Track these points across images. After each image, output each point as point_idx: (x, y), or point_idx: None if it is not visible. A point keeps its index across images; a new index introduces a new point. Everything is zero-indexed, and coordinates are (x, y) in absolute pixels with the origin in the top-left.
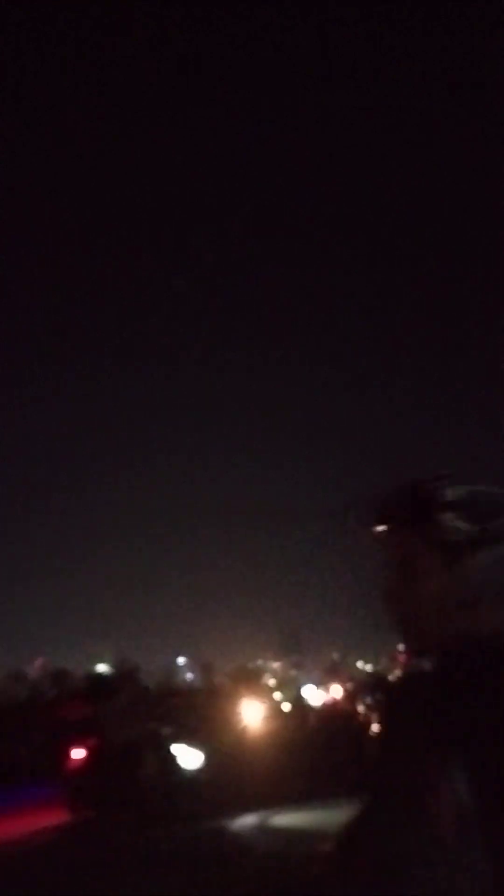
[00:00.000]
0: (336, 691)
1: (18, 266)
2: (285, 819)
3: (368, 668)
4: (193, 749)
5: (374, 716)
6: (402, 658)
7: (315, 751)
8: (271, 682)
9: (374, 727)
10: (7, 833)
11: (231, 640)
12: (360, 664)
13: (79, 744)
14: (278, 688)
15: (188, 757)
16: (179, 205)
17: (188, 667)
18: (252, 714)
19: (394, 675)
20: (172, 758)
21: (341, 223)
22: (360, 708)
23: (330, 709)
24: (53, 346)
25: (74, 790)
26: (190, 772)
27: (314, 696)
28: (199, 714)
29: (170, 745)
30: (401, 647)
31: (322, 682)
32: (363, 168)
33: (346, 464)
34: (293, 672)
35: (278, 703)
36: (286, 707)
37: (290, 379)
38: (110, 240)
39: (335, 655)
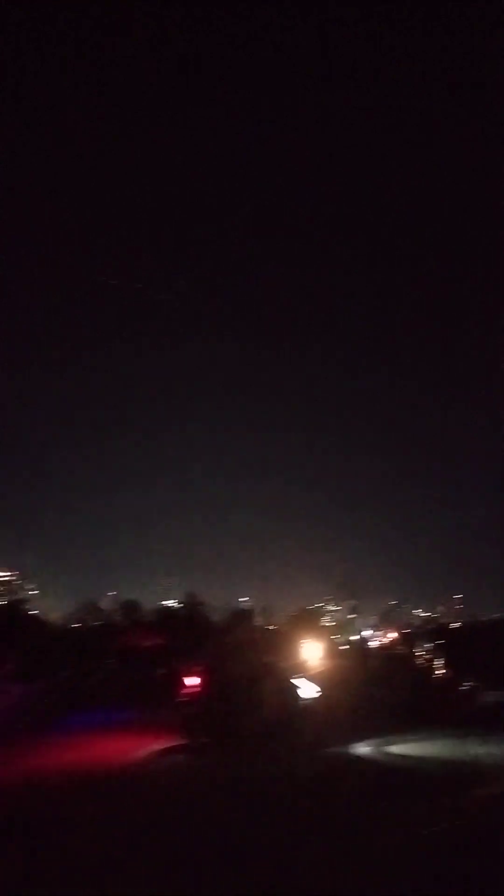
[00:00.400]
0: (392, 636)
1: None
2: (399, 748)
3: (424, 615)
4: (309, 682)
5: (438, 661)
6: (458, 607)
7: (382, 689)
8: (329, 624)
9: (438, 671)
10: (109, 755)
11: (291, 583)
12: (415, 611)
13: (192, 672)
14: (336, 630)
15: (305, 689)
16: (179, 203)
17: (250, 606)
18: (312, 653)
19: (455, 623)
20: (293, 688)
21: (341, 220)
22: (419, 652)
23: (388, 651)
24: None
25: (188, 716)
26: (306, 702)
27: (372, 639)
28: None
29: (289, 677)
30: (457, 596)
31: (379, 627)
32: (363, 168)
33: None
34: (351, 616)
35: (336, 645)
36: (344, 648)
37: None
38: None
39: (391, 601)
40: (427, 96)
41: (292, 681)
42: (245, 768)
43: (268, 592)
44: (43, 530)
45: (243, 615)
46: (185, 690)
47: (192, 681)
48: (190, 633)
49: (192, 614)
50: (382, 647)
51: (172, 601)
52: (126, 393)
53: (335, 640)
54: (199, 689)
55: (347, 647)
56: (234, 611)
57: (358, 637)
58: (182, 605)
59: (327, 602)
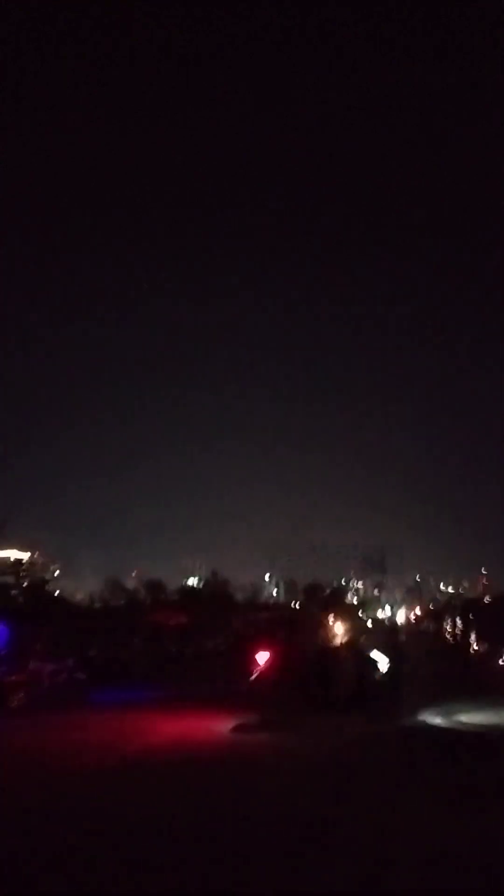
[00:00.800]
0: (418, 612)
1: None
2: (467, 717)
3: (449, 590)
4: (383, 655)
5: (472, 635)
6: (485, 581)
7: (420, 664)
8: (354, 601)
9: (475, 646)
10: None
11: (316, 560)
12: (441, 587)
13: (263, 647)
14: (361, 606)
15: (381, 662)
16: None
17: (273, 583)
18: (338, 630)
19: (485, 598)
20: (373, 662)
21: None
22: (448, 627)
23: (414, 626)
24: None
25: (263, 691)
26: (381, 674)
27: (398, 614)
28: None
29: (369, 651)
30: (484, 570)
31: (403, 603)
32: (364, 170)
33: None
34: (375, 592)
35: (363, 621)
36: (369, 624)
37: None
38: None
39: (416, 577)
40: (427, 96)
41: (371, 654)
42: (336, 744)
43: (291, 570)
44: (64, 511)
45: (315, 590)
46: (258, 667)
47: (262, 656)
48: (214, 612)
49: (215, 592)
50: (409, 624)
51: (195, 579)
52: (143, 375)
53: (361, 617)
54: (274, 664)
55: (370, 621)
56: (307, 586)
57: (384, 613)
58: (205, 583)
59: (352, 578)
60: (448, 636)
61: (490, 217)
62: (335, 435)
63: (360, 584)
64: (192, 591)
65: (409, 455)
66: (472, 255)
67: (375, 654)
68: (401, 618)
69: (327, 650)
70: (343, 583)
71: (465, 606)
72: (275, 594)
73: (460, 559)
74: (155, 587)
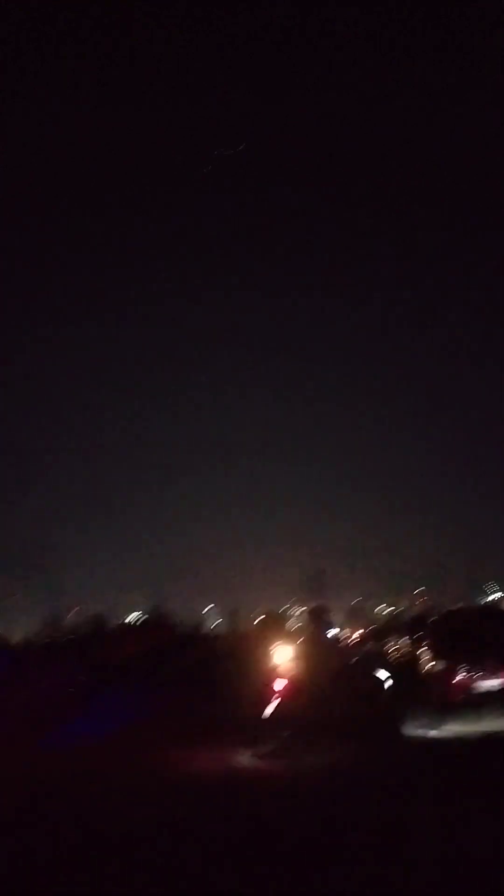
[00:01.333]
0: (359, 633)
1: None
2: (458, 728)
3: (388, 611)
4: (387, 674)
5: (428, 654)
6: (422, 599)
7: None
8: (297, 626)
9: (430, 664)
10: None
11: (256, 587)
12: (380, 608)
13: (281, 675)
14: (303, 632)
15: (387, 680)
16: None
17: (216, 613)
18: (283, 655)
19: (429, 615)
20: (380, 681)
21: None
22: (391, 648)
23: (358, 647)
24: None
25: (280, 719)
26: (388, 692)
27: (341, 638)
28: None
29: (376, 670)
30: (418, 591)
31: (346, 626)
32: (364, 169)
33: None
34: None
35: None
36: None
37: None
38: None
39: (355, 600)
40: (427, 96)
41: (376, 674)
42: (365, 763)
43: (232, 598)
44: None
45: (319, 611)
46: (276, 695)
47: (279, 683)
48: (159, 645)
49: (158, 626)
50: (351, 646)
51: (137, 613)
52: (79, 407)
53: (303, 642)
54: (291, 691)
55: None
56: (311, 608)
57: (327, 637)
58: (147, 617)
59: (293, 604)
60: (395, 655)
61: (491, 217)
62: (270, 454)
63: (300, 611)
64: (133, 627)
65: (345, 482)
66: (473, 255)
67: (381, 674)
68: (343, 640)
69: (338, 673)
70: (284, 610)
71: (410, 625)
72: (213, 626)
73: (395, 581)
74: (97, 623)
